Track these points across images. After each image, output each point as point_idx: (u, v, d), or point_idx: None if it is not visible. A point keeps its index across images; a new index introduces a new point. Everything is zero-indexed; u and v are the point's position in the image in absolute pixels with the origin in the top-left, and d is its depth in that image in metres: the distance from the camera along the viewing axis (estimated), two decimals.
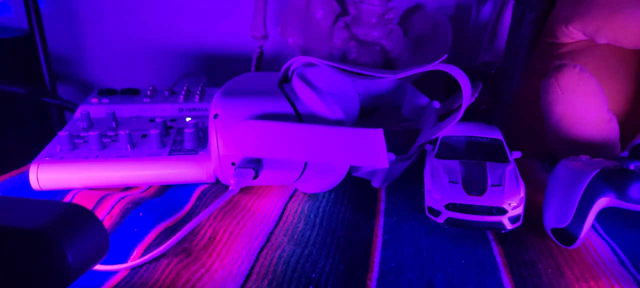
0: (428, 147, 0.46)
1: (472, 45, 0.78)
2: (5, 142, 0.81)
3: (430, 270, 0.35)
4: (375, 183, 0.46)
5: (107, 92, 0.63)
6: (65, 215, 0.23)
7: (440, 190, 0.39)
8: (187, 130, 0.48)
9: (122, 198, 0.42)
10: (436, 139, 0.45)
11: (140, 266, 0.34)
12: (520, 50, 0.67)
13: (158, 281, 0.32)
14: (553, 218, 0.38)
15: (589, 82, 0.48)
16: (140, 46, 0.91)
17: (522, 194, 0.38)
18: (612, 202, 0.37)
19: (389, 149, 0.37)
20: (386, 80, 0.52)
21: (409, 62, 0.75)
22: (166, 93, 0.62)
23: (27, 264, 0.22)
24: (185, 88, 0.64)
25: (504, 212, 0.38)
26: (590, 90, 0.48)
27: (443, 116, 0.53)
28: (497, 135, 0.46)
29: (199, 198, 0.44)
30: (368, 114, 0.70)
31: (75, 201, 0.42)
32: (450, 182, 0.39)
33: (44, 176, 0.44)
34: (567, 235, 0.37)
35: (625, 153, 0.45)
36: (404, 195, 0.46)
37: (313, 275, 0.34)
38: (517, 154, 0.44)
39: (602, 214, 0.39)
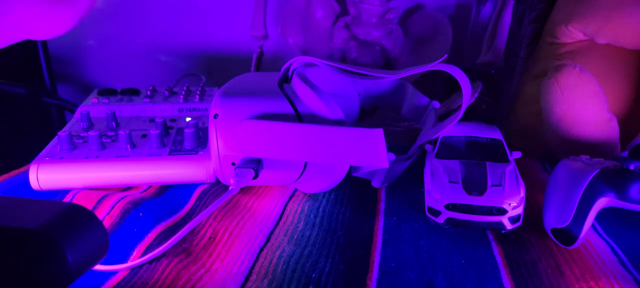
0: (428, 147, 0.46)
1: (472, 45, 0.78)
2: (5, 142, 0.81)
3: (430, 270, 0.35)
4: (375, 183, 0.46)
5: (107, 92, 0.63)
6: (65, 215, 0.23)
7: (440, 190, 0.39)
8: (187, 130, 0.48)
9: (122, 198, 0.42)
10: (436, 139, 0.45)
11: (140, 266, 0.34)
12: (520, 50, 0.67)
13: (158, 281, 0.32)
14: (553, 218, 0.38)
15: (589, 82, 0.48)
16: (140, 46, 0.91)
17: (522, 194, 0.38)
18: (612, 202, 0.37)
19: (389, 149, 0.37)
20: (386, 80, 0.52)
21: (409, 62, 0.75)
22: (166, 93, 0.62)
23: (27, 264, 0.22)
24: (185, 88, 0.64)
25: (504, 212, 0.38)
26: (590, 90, 0.48)
27: (443, 116, 0.53)
28: (497, 135, 0.46)
29: (199, 198, 0.44)
30: (368, 114, 0.70)
31: (75, 201, 0.42)
32: (450, 182, 0.39)
33: (44, 176, 0.44)
34: (567, 235, 0.37)
35: (625, 154, 0.45)
36: (404, 195, 0.46)
37: (313, 275, 0.34)
38: (517, 154, 0.44)
39: (602, 214, 0.39)
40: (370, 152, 0.36)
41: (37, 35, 0.31)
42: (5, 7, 0.29)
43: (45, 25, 0.31)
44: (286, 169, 0.41)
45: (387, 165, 0.36)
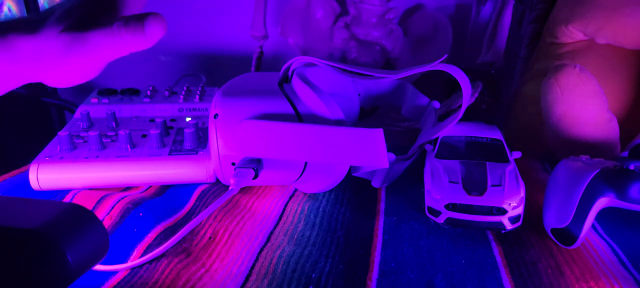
0: (428, 147, 0.46)
1: (472, 45, 0.78)
2: (5, 142, 0.81)
3: (430, 270, 0.35)
4: (375, 183, 0.46)
5: (107, 92, 0.63)
6: (65, 215, 0.23)
7: (440, 190, 0.39)
8: (187, 130, 0.48)
9: (122, 198, 0.42)
10: (436, 139, 0.45)
11: (140, 266, 0.34)
12: (520, 50, 0.67)
13: (158, 281, 0.32)
14: (553, 218, 0.38)
15: (589, 82, 0.48)
16: None
17: (522, 194, 0.38)
18: (612, 202, 0.37)
19: (389, 149, 0.37)
20: (386, 80, 0.52)
21: (409, 62, 0.75)
22: (166, 93, 0.62)
23: (27, 264, 0.22)
24: (185, 88, 0.64)
25: (504, 212, 0.38)
26: (590, 90, 0.48)
27: (443, 116, 0.53)
28: (497, 135, 0.46)
29: (199, 198, 0.44)
30: (368, 114, 0.70)
31: (75, 201, 0.42)
32: (450, 182, 0.39)
33: (44, 176, 0.44)
34: (567, 235, 0.37)
35: (625, 154, 0.45)
36: (404, 195, 0.46)
37: (313, 275, 0.34)
38: (517, 154, 0.44)
39: (602, 214, 0.39)
40: (370, 152, 0.36)
41: (51, 82, 0.31)
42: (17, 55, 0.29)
43: (59, 75, 0.30)
44: (286, 169, 0.41)
45: (387, 165, 0.36)
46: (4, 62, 0.28)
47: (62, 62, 0.29)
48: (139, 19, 0.28)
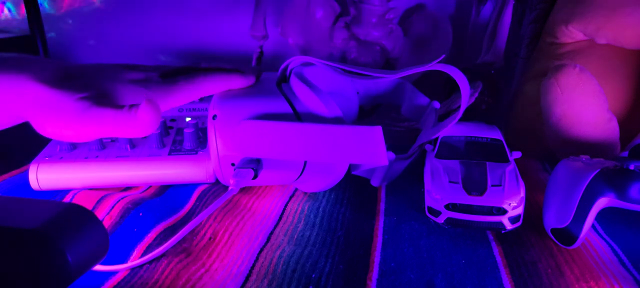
0: (428, 147, 0.46)
1: (472, 45, 0.78)
2: (5, 142, 0.81)
3: (430, 270, 0.35)
4: (375, 182, 0.46)
5: None
6: (65, 215, 0.23)
7: (440, 190, 0.39)
8: (186, 130, 0.48)
9: (122, 198, 0.42)
10: (436, 139, 0.45)
11: (140, 266, 0.34)
12: (520, 50, 0.67)
13: (158, 281, 0.32)
14: (553, 218, 0.38)
15: (589, 82, 0.48)
16: (140, 46, 0.91)
17: (522, 194, 0.38)
18: (612, 202, 0.37)
19: (389, 149, 0.37)
20: (386, 80, 0.52)
21: (409, 62, 0.75)
22: None
23: (27, 264, 0.22)
24: None
25: (504, 212, 0.38)
26: (590, 90, 0.48)
27: (443, 116, 0.53)
28: (497, 135, 0.46)
29: (199, 198, 0.44)
30: (368, 114, 0.70)
31: (75, 201, 0.42)
32: (450, 182, 0.39)
33: (43, 176, 0.44)
34: (567, 235, 0.37)
35: (625, 154, 0.45)
36: (404, 195, 0.46)
37: (313, 275, 0.34)
38: (517, 154, 0.44)
39: (602, 214, 0.39)
40: (370, 150, 0.36)
41: (41, 128, 0.34)
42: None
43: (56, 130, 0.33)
44: (286, 169, 0.41)
45: (386, 163, 0.36)
46: (10, 98, 0.32)
47: (68, 122, 0.32)
48: (137, 105, 0.32)
